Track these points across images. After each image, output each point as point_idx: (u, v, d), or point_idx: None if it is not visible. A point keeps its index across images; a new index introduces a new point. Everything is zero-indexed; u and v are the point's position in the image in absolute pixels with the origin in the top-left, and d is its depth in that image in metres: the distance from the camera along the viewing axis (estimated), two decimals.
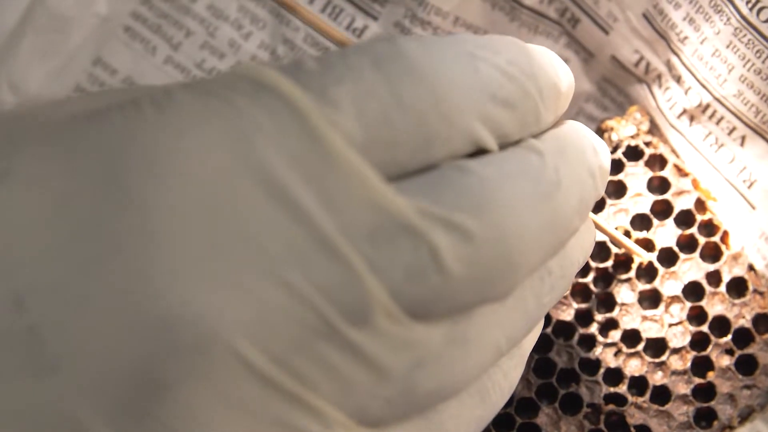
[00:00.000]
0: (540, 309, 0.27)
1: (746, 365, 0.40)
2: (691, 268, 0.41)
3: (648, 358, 0.41)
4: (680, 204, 0.42)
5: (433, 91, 0.22)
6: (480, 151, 0.24)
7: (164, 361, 0.19)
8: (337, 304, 0.21)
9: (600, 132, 0.43)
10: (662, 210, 0.42)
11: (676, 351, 0.41)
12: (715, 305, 0.41)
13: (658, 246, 0.41)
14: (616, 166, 0.42)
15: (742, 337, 0.41)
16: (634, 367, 0.41)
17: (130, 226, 0.19)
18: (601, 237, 0.41)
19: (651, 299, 0.41)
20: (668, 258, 0.42)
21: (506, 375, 0.27)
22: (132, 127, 0.20)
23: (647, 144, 0.42)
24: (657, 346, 0.41)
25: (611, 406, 0.40)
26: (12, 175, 0.20)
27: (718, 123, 0.41)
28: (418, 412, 0.24)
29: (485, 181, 0.22)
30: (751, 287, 0.41)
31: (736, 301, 0.41)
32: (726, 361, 0.40)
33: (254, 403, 0.20)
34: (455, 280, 0.22)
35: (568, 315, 0.41)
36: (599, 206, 0.42)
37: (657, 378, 0.41)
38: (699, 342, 0.41)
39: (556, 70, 0.26)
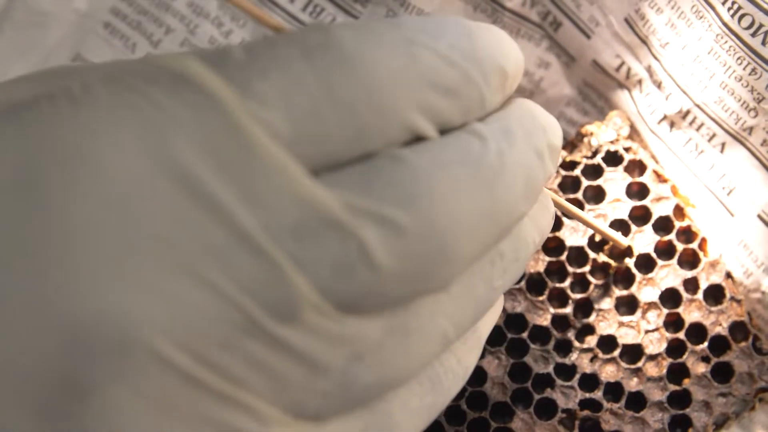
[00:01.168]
0: (491, 293, 0.26)
1: (722, 373, 0.40)
2: (669, 274, 0.41)
3: (624, 364, 0.41)
4: (659, 210, 0.42)
5: (366, 82, 0.21)
6: (420, 138, 0.23)
7: (83, 363, 0.19)
8: (262, 301, 0.20)
9: (579, 136, 0.43)
10: (641, 216, 0.42)
11: (652, 357, 0.41)
12: (692, 312, 0.41)
13: (636, 252, 0.41)
14: (595, 171, 0.42)
15: (719, 344, 0.40)
16: (609, 373, 0.41)
17: (42, 228, 0.19)
18: (577, 242, 0.41)
19: (628, 305, 0.41)
20: (646, 264, 0.41)
21: (460, 360, 0.27)
22: (46, 125, 0.20)
23: (627, 149, 0.42)
24: (633, 353, 0.41)
25: (586, 412, 0.40)
26: None
27: (698, 129, 0.41)
28: (361, 404, 0.23)
29: (419, 171, 0.22)
30: (728, 295, 0.41)
31: (713, 309, 0.41)
32: (702, 368, 0.40)
33: (180, 403, 0.20)
34: (387, 274, 0.21)
35: (544, 320, 0.41)
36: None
37: (632, 384, 0.40)
38: (675, 349, 0.41)
39: (502, 50, 0.25)
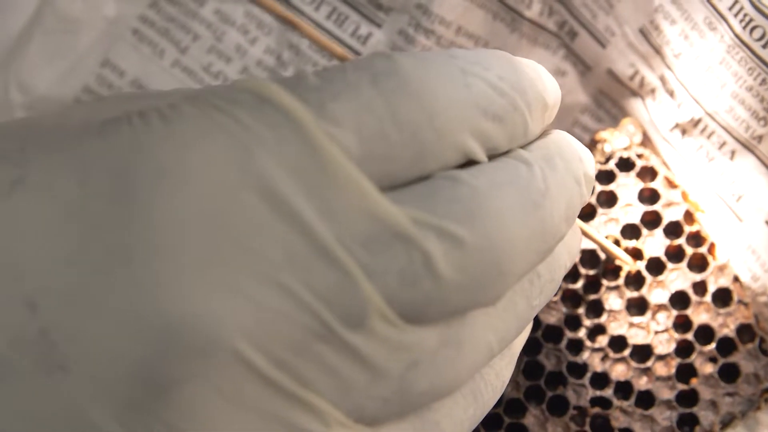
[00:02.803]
0: (530, 311, 0.28)
1: (729, 373, 0.42)
2: (678, 277, 0.42)
3: (634, 364, 0.42)
4: (669, 215, 0.43)
5: (427, 108, 0.23)
6: (471, 162, 0.25)
7: (169, 363, 0.20)
8: (335, 308, 0.22)
9: (593, 143, 0.44)
10: (651, 220, 0.43)
11: (661, 357, 0.42)
12: (700, 314, 0.42)
13: (647, 255, 0.43)
14: (608, 177, 0.44)
15: (726, 345, 0.42)
16: (620, 371, 0.42)
17: (137, 235, 0.20)
18: (590, 246, 0.43)
19: (638, 306, 0.43)
20: (656, 267, 0.43)
21: (498, 374, 0.28)
22: (140, 138, 0.21)
23: (639, 156, 0.44)
24: (643, 352, 0.42)
25: (597, 409, 0.42)
26: (25, 183, 0.21)
27: (709, 137, 0.42)
28: (413, 411, 0.25)
29: (476, 191, 0.24)
30: (735, 298, 0.42)
31: (721, 311, 0.42)
32: (709, 368, 0.42)
33: (256, 402, 0.21)
34: (447, 285, 0.23)
35: (557, 319, 0.42)
36: (590, 215, 0.43)
37: (642, 383, 0.42)
38: (683, 349, 0.42)
39: (544, 83, 0.27)
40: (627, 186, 0.43)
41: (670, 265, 0.43)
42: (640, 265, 0.43)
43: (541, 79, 0.27)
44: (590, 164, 0.28)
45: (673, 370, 0.42)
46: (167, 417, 0.20)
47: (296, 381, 0.22)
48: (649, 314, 0.42)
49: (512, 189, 0.24)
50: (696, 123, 0.43)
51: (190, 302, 0.20)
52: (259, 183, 0.21)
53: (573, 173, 0.27)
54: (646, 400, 0.42)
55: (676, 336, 0.42)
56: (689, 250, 0.43)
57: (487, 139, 0.25)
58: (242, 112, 0.22)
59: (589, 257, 0.43)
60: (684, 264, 0.43)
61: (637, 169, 0.43)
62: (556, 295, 0.43)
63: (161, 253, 0.21)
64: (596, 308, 0.43)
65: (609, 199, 0.43)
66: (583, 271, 0.43)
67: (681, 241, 0.43)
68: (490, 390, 0.28)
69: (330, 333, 0.22)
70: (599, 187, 0.43)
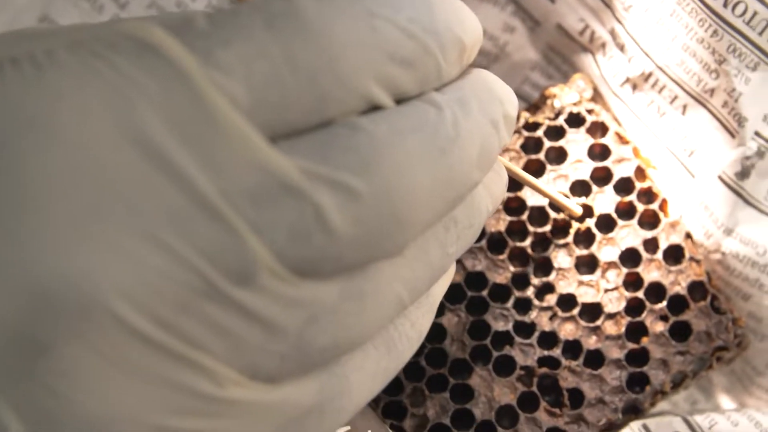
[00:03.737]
0: (445, 258, 0.27)
1: (680, 332, 0.41)
2: (629, 234, 0.41)
3: (583, 323, 0.41)
4: (620, 171, 0.42)
5: (327, 52, 0.22)
6: (377, 107, 0.24)
7: (44, 323, 0.19)
8: (220, 265, 0.21)
9: (543, 99, 0.43)
10: (602, 177, 0.42)
11: (611, 316, 0.41)
12: (651, 272, 0.41)
13: (597, 212, 0.42)
14: (558, 133, 0.43)
15: (677, 303, 0.41)
16: (568, 331, 0.41)
17: (6, 191, 0.19)
18: (538, 202, 0.42)
19: (588, 264, 0.42)
20: (606, 224, 0.42)
21: (414, 324, 0.27)
22: (9, 89, 0.20)
23: (589, 111, 0.43)
24: (592, 311, 0.41)
25: (544, 369, 0.41)
26: None
27: (660, 91, 0.42)
28: (317, 367, 0.24)
29: (375, 138, 0.22)
30: (687, 255, 0.41)
31: (672, 269, 0.41)
32: (660, 327, 0.41)
33: (140, 364, 0.20)
34: (342, 239, 0.22)
35: (504, 278, 0.41)
36: (539, 171, 0.42)
37: (591, 342, 0.41)
38: (634, 308, 0.41)
39: (461, 22, 0.25)
40: (577, 142, 0.42)
41: (620, 222, 0.42)
42: (590, 223, 0.41)
43: (459, 19, 0.25)
44: (511, 105, 0.27)
45: (623, 329, 0.41)
46: (48, 381, 0.20)
47: (182, 341, 0.21)
48: (598, 272, 0.41)
49: (416, 135, 0.23)
50: (647, 77, 0.42)
51: (64, 260, 0.19)
52: (138, 135, 0.20)
53: (489, 116, 0.25)
54: (596, 359, 0.41)
55: (627, 294, 0.41)
56: (640, 207, 0.42)
57: (394, 84, 0.23)
58: (123, 59, 0.21)
59: (537, 214, 0.42)
60: (635, 221, 0.42)
61: (587, 124, 0.42)
62: (502, 253, 0.42)
63: (31, 209, 0.19)
64: (545, 266, 0.42)
65: (558, 156, 0.42)
66: (531, 228, 0.42)
67: (632, 197, 0.42)
68: (405, 341, 0.27)
69: (216, 291, 0.21)
70: (548, 143, 0.42)
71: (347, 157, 0.22)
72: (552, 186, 0.42)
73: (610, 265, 0.41)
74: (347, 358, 0.25)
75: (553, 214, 0.42)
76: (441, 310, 0.41)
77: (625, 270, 0.41)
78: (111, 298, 0.20)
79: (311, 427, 0.24)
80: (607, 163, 0.42)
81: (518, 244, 0.42)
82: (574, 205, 0.40)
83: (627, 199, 0.42)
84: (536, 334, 0.41)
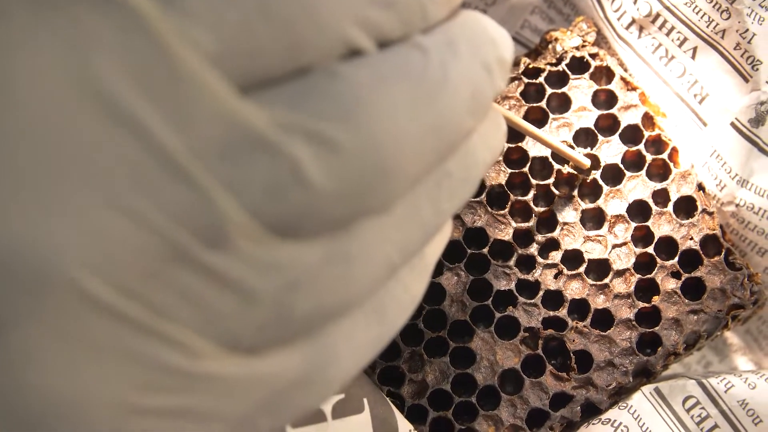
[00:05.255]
0: (439, 216, 0.25)
1: (693, 289, 0.38)
2: (637, 186, 0.39)
3: (590, 281, 0.38)
4: (627, 119, 0.39)
5: None
6: (358, 53, 0.21)
7: (0, 298, 0.18)
8: (190, 228, 0.19)
9: (544, 43, 0.40)
10: (608, 126, 0.40)
11: (619, 273, 0.38)
12: (661, 226, 0.39)
13: (603, 163, 0.39)
14: (560, 79, 0.40)
15: (690, 259, 0.38)
16: (575, 289, 0.39)
17: None
18: (541, 153, 0.39)
19: (594, 219, 0.39)
20: (613, 176, 0.39)
21: (407, 288, 0.25)
22: None
23: (593, 56, 0.40)
24: (600, 268, 0.39)
25: (550, 331, 0.38)
26: None
27: (668, 34, 0.39)
28: (301, 335, 0.22)
29: (356, 86, 0.21)
30: (699, 207, 0.39)
31: (684, 222, 0.39)
32: (672, 284, 0.38)
33: (103, 338, 0.19)
34: (322, 194, 0.20)
35: (506, 234, 0.39)
36: (541, 121, 0.40)
37: (599, 302, 0.38)
38: (644, 264, 0.39)
39: None
40: (580, 88, 0.40)
41: (628, 173, 0.39)
42: (596, 174, 0.39)
43: None
44: (505, 48, 0.25)
45: (632, 287, 0.38)
46: (5, 361, 0.18)
47: (150, 311, 0.19)
48: (606, 227, 0.39)
49: (400, 81, 0.21)
50: (654, 18, 0.39)
51: (19, 229, 0.18)
52: (96, 90, 0.18)
53: (481, 59, 0.23)
54: (604, 320, 0.38)
55: (636, 250, 0.39)
56: (649, 157, 0.39)
57: (375, 26, 0.21)
58: (79, 8, 0.19)
59: (540, 166, 0.39)
60: (643, 172, 0.39)
61: (591, 70, 0.40)
62: (504, 208, 0.39)
63: None
64: (549, 221, 0.39)
65: (561, 103, 0.40)
66: (534, 181, 0.39)
67: (640, 147, 0.39)
68: (397, 307, 0.25)
69: (186, 256, 0.19)
70: (550, 90, 0.40)
71: (325, 105, 0.20)
72: (555, 136, 0.39)
73: (618, 218, 0.39)
74: (334, 326, 0.23)
75: (557, 166, 0.39)
76: (439, 269, 0.38)
77: (633, 224, 0.39)
78: (71, 268, 0.18)
79: (297, 399, 0.23)
80: (613, 110, 0.39)
81: (520, 197, 0.39)
82: (581, 156, 0.38)
83: (635, 148, 0.39)
84: (541, 293, 0.38)
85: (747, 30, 0.37)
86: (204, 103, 0.19)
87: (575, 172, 0.39)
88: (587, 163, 0.38)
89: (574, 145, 0.39)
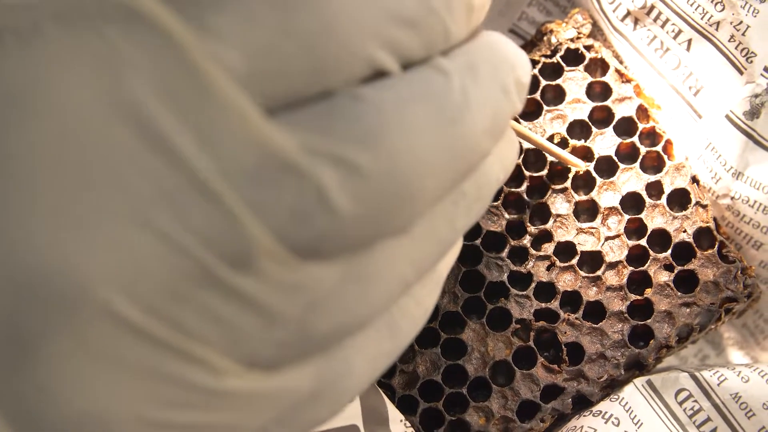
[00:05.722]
0: (453, 234, 0.25)
1: (686, 282, 0.38)
2: (631, 178, 0.39)
3: (582, 273, 0.38)
4: (621, 111, 0.39)
5: (327, 16, 0.20)
6: (382, 74, 0.22)
7: (29, 316, 0.18)
8: (217, 250, 0.19)
9: (539, 35, 0.40)
10: (602, 118, 0.40)
11: (612, 265, 0.38)
12: (655, 218, 0.39)
13: (597, 155, 0.39)
14: (555, 71, 0.40)
15: (683, 252, 0.38)
16: (567, 281, 0.39)
17: None
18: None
19: (587, 211, 0.39)
20: (607, 168, 0.39)
21: (419, 303, 0.25)
22: None
23: (588, 48, 0.40)
24: (592, 260, 0.39)
25: (542, 323, 0.38)
26: None
27: (663, 26, 0.39)
28: (317, 351, 0.22)
29: (379, 110, 0.21)
30: (693, 200, 0.38)
31: (678, 214, 0.38)
32: (664, 277, 0.38)
33: (129, 356, 0.19)
34: (346, 218, 0.20)
35: (499, 226, 0.39)
36: (535, 113, 0.40)
37: (591, 294, 0.38)
38: (637, 257, 0.39)
39: None
40: (575, 80, 0.40)
41: (622, 166, 0.39)
42: (590, 166, 0.39)
43: None
44: (524, 70, 0.25)
45: (625, 279, 0.38)
46: (34, 377, 0.18)
47: (176, 331, 0.19)
48: (599, 219, 0.39)
49: (423, 104, 0.21)
50: (649, 11, 0.39)
51: (49, 247, 0.18)
52: (128, 111, 0.19)
53: (501, 82, 0.24)
54: (596, 312, 0.38)
55: (629, 242, 0.38)
56: (643, 149, 0.39)
57: (399, 48, 0.22)
58: (111, 29, 0.19)
59: (533, 158, 0.39)
60: (637, 164, 0.39)
61: (586, 61, 0.40)
62: (497, 200, 0.39)
63: (14, 192, 0.18)
64: (542, 213, 0.39)
65: (556, 95, 0.40)
66: (527, 173, 0.39)
67: (634, 139, 0.39)
68: (408, 321, 0.25)
69: (212, 277, 0.19)
70: (545, 82, 0.40)
71: (350, 130, 0.20)
72: (549, 127, 0.39)
73: (611, 211, 0.39)
74: (348, 342, 0.23)
75: (550, 158, 0.39)
76: None
77: (627, 216, 0.39)
78: (100, 288, 0.18)
79: (311, 412, 0.23)
80: (607, 102, 0.39)
81: (513, 189, 0.39)
82: (579, 161, 0.38)
83: (629, 140, 0.39)
84: (533, 285, 0.38)
85: (741, 22, 0.37)
86: (234, 125, 0.19)
87: (569, 166, 0.39)
88: (580, 165, 0.38)
89: (568, 137, 0.39)
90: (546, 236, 0.39)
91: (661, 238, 0.38)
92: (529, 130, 0.35)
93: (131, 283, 0.19)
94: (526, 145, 0.39)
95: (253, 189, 0.19)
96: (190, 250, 0.19)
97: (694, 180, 0.39)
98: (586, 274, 0.38)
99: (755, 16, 0.36)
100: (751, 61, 0.37)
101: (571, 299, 0.38)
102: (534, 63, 0.40)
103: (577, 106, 0.39)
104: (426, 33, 0.22)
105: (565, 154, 0.38)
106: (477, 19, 0.24)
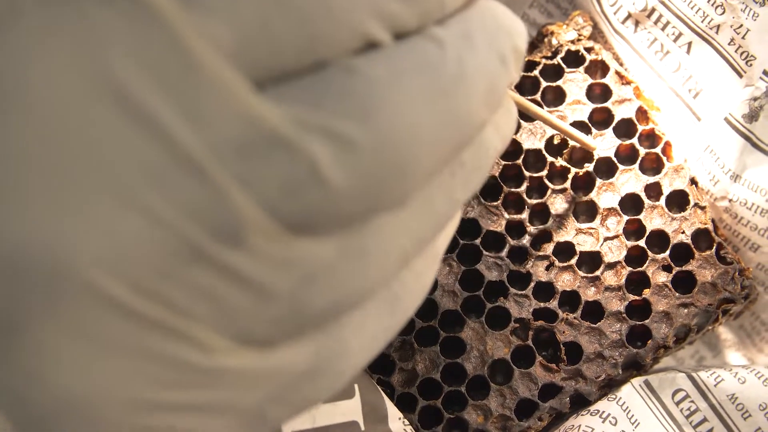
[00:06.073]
0: (452, 205, 0.24)
1: (684, 283, 0.38)
2: (630, 179, 0.39)
3: (581, 273, 0.39)
4: (621, 113, 0.40)
5: None
6: (375, 45, 0.21)
7: (14, 298, 0.18)
8: (206, 226, 0.19)
9: (540, 36, 0.41)
10: (602, 119, 0.40)
11: (610, 266, 0.39)
12: (653, 219, 0.39)
13: (596, 156, 0.39)
14: (555, 72, 0.40)
15: (681, 253, 0.39)
16: (566, 281, 0.39)
17: None
18: (535, 146, 0.39)
19: (587, 211, 0.39)
20: (606, 169, 0.39)
21: (419, 277, 0.25)
22: None
23: (588, 50, 0.40)
24: (591, 261, 0.39)
25: (540, 322, 0.38)
26: None
27: (663, 28, 0.39)
28: (314, 328, 0.22)
29: (372, 82, 0.20)
30: (692, 201, 0.39)
31: (676, 216, 0.39)
32: (663, 277, 0.38)
33: (118, 336, 0.19)
34: (339, 192, 0.20)
35: (498, 226, 0.39)
36: None
37: (590, 294, 0.39)
38: (635, 257, 0.39)
39: None
40: (575, 82, 0.40)
41: (621, 167, 0.39)
42: (589, 167, 0.39)
43: None
44: (520, 38, 0.25)
45: (623, 280, 0.38)
46: (21, 360, 0.18)
47: (166, 309, 0.19)
48: (598, 219, 0.39)
49: (417, 75, 0.21)
50: (650, 13, 0.39)
51: (33, 228, 0.18)
52: (111, 87, 0.18)
53: (497, 50, 0.23)
54: (595, 312, 0.38)
55: (627, 243, 0.39)
56: (642, 151, 0.39)
57: (393, 19, 0.21)
58: (93, 4, 0.19)
59: (533, 158, 0.40)
60: (636, 166, 0.39)
61: (587, 63, 0.40)
62: (497, 199, 0.39)
63: None
64: (541, 213, 0.39)
65: (556, 96, 0.40)
66: (527, 173, 0.39)
67: (633, 140, 0.39)
68: (408, 296, 0.25)
69: (202, 254, 0.19)
70: (545, 83, 0.40)
71: (343, 102, 0.20)
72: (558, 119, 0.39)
73: (611, 211, 0.39)
74: (346, 317, 0.23)
75: (550, 159, 0.39)
76: None
77: (626, 217, 0.39)
78: (86, 267, 0.18)
79: (308, 390, 0.23)
80: (607, 104, 0.40)
81: (513, 189, 0.39)
82: (589, 138, 0.38)
83: (628, 142, 0.39)
84: (532, 284, 0.39)
85: (741, 25, 0.37)
86: (221, 100, 0.19)
87: (568, 166, 0.39)
88: (595, 146, 0.38)
89: (569, 139, 0.39)
90: (545, 236, 0.39)
91: (659, 239, 0.39)
92: (528, 101, 0.35)
93: (118, 262, 0.18)
94: (527, 146, 0.39)
95: (242, 163, 0.19)
96: (178, 226, 0.19)
97: (693, 182, 0.39)
98: (585, 274, 0.39)
99: (755, 20, 0.37)
100: (751, 65, 0.37)
101: (570, 299, 0.39)
102: (534, 64, 0.40)
103: (577, 108, 0.40)
104: (421, 3, 0.22)
105: (577, 133, 0.37)
106: None
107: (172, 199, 0.19)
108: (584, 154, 0.39)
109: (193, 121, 0.19)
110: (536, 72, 0.40)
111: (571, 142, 0.39)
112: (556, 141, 0.39)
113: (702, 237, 0.39)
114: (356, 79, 0.20)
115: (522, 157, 0.39)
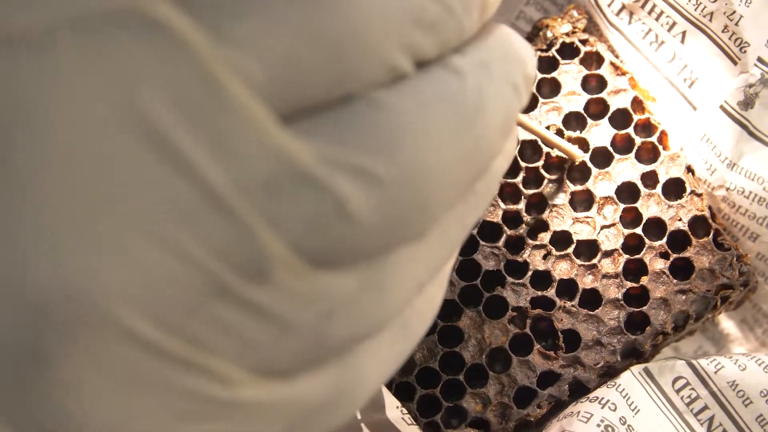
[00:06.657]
0: (464, 231, 0.25)
1: (681, 269, 0.38)
2: (626, 168, 0.39)
3: (578, 261, 0.39)
4: (616, 103, 0.40)
5: (351, 23, 0.20)
6: (398, 76, 0.22)
7: (43, 335, 0.18)
8: (232, 263, 0.19)
9: (535, 30, 0.41)
10: (598, 110, 0.40)
11: (608, 254, 0.39)
12: (650, 207, 0.39)
13: (592, 146, 0.39)
14: (550, 65, 0.41)
15: (678, 240, 0.39)
16: (563, 270, 0.39)
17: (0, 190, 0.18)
18: (531, 136, 0.40)
19: (583, 201, 0.40)
20: (603, 159, 0.40)
21: (431, 301, 0.25)
22: (4, 73, 0.18)
23: (583, 42, 0.41)
24: (588, 249, 0.39)
25: (538, 311, 0.38)
26: None
27: (657, 18, 0.39)
28: (332, 358, 0.22)
29: (399, 116, 0.20)
30: (688, 189, 0.39)
31: (673, 203, 0.39)
32: (660, 264, 0.38)
33: (143, 372, 0.19)
34: (364, 228, 0.20)
35: (495, 216, 0.39)
36: (531, 105, 0.40)
37: (587, 281, 0.39)
38: (632, 245, 0.39)
39: None
40: (570, 73, 0.40)
41: (617, 156, 0.39)
42: (585, 157, 0.39)
43: None
44: (531, 65, 0.25)
45: (620, 267, 0.38)
46: (49, 397, 0.18)
47: (190, 345, 0.19)
48: (594, 208, 0.39)
49: (440, 108, 0.21)
50: (643, 3, 0.40)
51: (62, 264, 0.18)
52: (141, 122, 0.18)
53: (511, 79, 0.23)
54: (592, 299, 0.38)
55: (624, 231, 0.39)
56: (638, 140, 0.40)
57: (416, 48, 0.21)
58: (126, 37, 0.19)
59: (530, 149, 0.40)
60: (632, 155, 0.39)
61: (581, 55, 0.40)
62: None
63: (25, 208, 0.18)
64: (538, 203, 0.40)
65: (552, 88, 0.40)
66: (523, 164, 0.40)
67: (629, 130, 0.40)
68: (420, 320, 0.25)
69: (227, 290, 0.19)
70: (540, 75, 0.40)
71: (370, 138, 0.20)
72: (545, 119, 0.40)
73: (607, 200, 0.39)
74: (361, 346, 0.23)
75: (546, 149, 0.39)
76: None
77: (622, 205, 0.39)
78: (114, 305, 0.18)
79: (325, 418, 0.23)
80: (602, 95, 0.40)
81: (510, 179, 0.40)
82: (578, 150, 0.38)
83: (624, 132, 0.40)
84: (529, 273, 0.39)
85: (734, 12, 0.37)
86: (250, 136, 0.19)
87: (565, 156, 0.39)
88: (582, 155, 0.39)
89: (564, 128, 0.40)
90: (542, 226, 0.39)
91: (656, 227, 0.39)
92: (529, 120, 0.36)
93: (144, 298, 0.18)
94: (523, 136, 0.40)
95: (269, 201, 0.19)
96: (204, 263, 0.19)
97: (689, 169, 0.39)
98: (582, 263, 0.39)
99: (748, 6, 0.37)
100: (745, 51, 0.37)
101: (567, 287, 0.39)
102: None
103: (572, 99, 0.40)
104: (442, 33, 0.22)
105: (564, 144, 0.38)
106: (490, 11, 0.24)
107: (199, 236, 0.19)
108: (580, 144, 0.39)
109: (222, 157, 0.19)
110: None
111: (567, 132, 0.40)
112: (553, 130, 0.40)
113: (699, 224, 0.39)
114: (383, 114, 0.20)
115: (518, 147, 0.40)
